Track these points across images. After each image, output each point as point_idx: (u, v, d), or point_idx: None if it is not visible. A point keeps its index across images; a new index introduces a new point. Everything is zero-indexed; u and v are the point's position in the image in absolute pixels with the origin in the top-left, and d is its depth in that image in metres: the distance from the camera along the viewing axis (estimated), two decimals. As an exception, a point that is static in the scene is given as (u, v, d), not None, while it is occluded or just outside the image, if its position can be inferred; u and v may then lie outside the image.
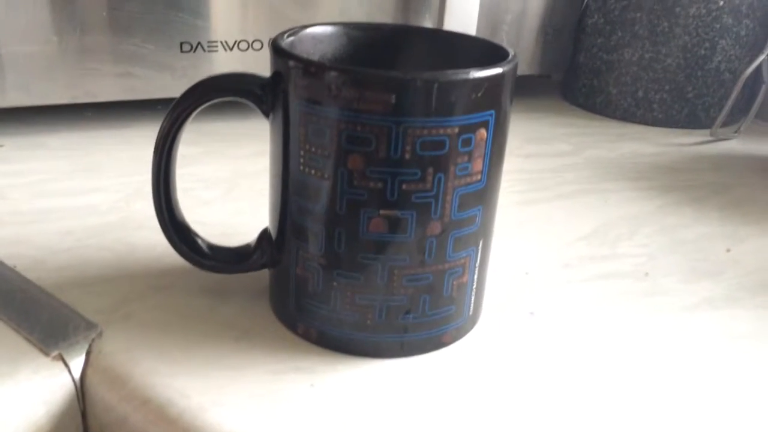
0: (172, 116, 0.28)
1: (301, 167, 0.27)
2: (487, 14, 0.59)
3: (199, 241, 0.30)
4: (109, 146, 0.49)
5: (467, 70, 0.25)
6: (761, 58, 0.58)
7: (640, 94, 0.61)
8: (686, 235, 0.41)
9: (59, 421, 0.27)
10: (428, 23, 0.56)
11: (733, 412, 0.27)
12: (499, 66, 0.26)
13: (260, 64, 0.50)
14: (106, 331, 0.29)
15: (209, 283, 0.32)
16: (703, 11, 0.57)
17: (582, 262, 0.37)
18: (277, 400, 0.26)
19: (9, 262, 0.33)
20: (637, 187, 0.48)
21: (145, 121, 0.53)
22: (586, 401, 0.27)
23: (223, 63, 0.52)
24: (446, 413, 0.26)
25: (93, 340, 0.28)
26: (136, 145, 0.49)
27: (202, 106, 0.28)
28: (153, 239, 0.36)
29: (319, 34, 0.31)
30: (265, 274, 0.31)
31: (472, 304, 0.30)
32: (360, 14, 0.54)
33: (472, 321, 0.31)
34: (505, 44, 0.29)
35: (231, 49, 0.52)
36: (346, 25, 0.32)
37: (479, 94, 0.25)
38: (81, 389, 0.28)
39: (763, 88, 0.61)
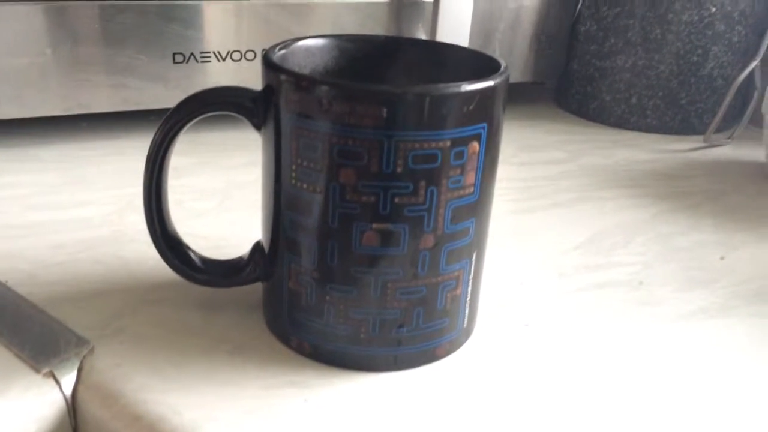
0: (164, 130, 0.28)
1: (293, 181, 0.27)
2: (480, 22, 0.59)
3: (192, 255, 0.30)
4: (101, 158, 0.48)
5: (459, 83, 0.25)
6: (753, 64, 0.59)
7: (634, 100, 0.61)
8: (681, 242, 0.41)
9: (51, 439, 0.27)
10: (421, 32, 0.56)
11: (729, 422, 0.27)
12: (491, 79, 0.26)
13: (253, 75, 0.50)
14: (97, 347, 0.29)
15: (202, 297, 0.32)
16: (696, 18, 0.58)
17: (577, 271, 0.37)
18: (271, 415, 0.26)
19: (0, 278, 0.33)
20: (631, 195, 0.48)
21: (138, 132, 0.53)
22: (581, 412, 0.27)
23: (216, 74, 0.52)
24: (441, 427, 0.26)
25: (84, 356, 0.28)
26: (129, 157, 0.49)
27: (194, 120, 0.28)
28: (145, 253, 0.36)
29: (311, 46, 0.31)
30: (258, 287, 0.31)
31: (466, 317, 0.30)
32: (353, 24, 0.54)
33: (466, 333, 0.30)
34: (497, 55, 0.29)
35: (224, 59, 0.52)
36: (338, 38, 0.32)
37: (471, 107, 0.25)
38: (72, 406, 0.27)
39: (756, 94, 0.61)
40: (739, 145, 0.60)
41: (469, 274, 0.29)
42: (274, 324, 0.30)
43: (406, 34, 0.56)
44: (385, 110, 0.24)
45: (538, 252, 0.39)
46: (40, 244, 0.36)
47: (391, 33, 0.55)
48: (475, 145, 0.26)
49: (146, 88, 0.50)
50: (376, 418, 0.26)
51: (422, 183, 0.25)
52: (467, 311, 0.29)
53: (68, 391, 0.27)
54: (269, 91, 0.27)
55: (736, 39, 0.59)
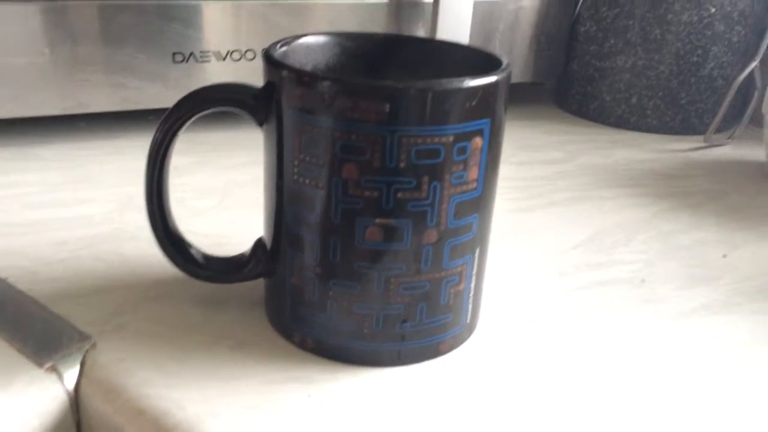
0: (165, 126, 0.28)
1: (296, 177, 0.27)
2: (480, 22, 0.59)
3: (193, 251, 0.30)
4: (101, 157, 0.48)
5: (462, 78, 0.25)
6: (753, 64, 0.59)
7: (634, 100, 0.61)
8: (682, 241, 0.41)
9: (53, 434, 0.27)
10: (421, 32, 0.56)
11: (732, 418, 0.27)
12: (494, 74, 0.26)
13: (253, 74, 0.50)
14: (99, 343, 0.29)
15: (204, 294, 0.32)
16: (695, 18, 0.58)
17: (578, 269, 0.37)
18: (274, 410, 0.26)
19: (1, 274, 0.33)
20: (632, 194, 0.48)
21: (137, 131, 0.53)
22: (584, 409, 0.27)
23: (216, 73, 0.52)
24: (444, 422, 0.26)
25: (87, 351, 0.28)
26: (129, 156, 0.49)
27: (195, 117, 0.28)
28: (146, 250, 0.36)
29: (312, 44, 0.31)
30: (260, 283, 0.31)
31: (469, 312, 0.30)
32: (352, 23, 0.54)
33: (469, 329, 0.30)
34: (498, 52, 0.29)
35: (224, 59, 0.52)
36: (339, 35, 0.32)
37: (474, 103, 0.25)
38: (75, 401, 0.27)
39: (756, 94, 0.61)
40: (740, 145, 0.60)
41: (473, 269, 0.29)
42: (277, 320, 0.30)
43: (406, 35, 0.56)
44: (388, 105, 0.24)
45: (539, 250, 0.39)
46: (40, 241, 0.36)
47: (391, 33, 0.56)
48: (477, 141, 0.26)
49: (146, 88, 0.50)
50: (380, 413, 0.26)
51: (425, 178, 0.25)
52: (470, 307, 0.29)
53: (71, 386, 0.27)
54: (271, 87, 0.27)
55: (735, 39, 0.59)
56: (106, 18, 0.47)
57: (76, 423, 0.28)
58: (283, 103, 0.26)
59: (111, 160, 0.48)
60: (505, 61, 0.28)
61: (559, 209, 0.45)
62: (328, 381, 0.28)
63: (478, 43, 0.59)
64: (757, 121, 0.59)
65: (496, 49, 0.62)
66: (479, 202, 0.27)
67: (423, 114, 0.25)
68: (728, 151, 0.59)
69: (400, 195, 0.25)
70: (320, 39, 0.31)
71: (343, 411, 0.26)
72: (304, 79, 0.25)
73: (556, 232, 0.42)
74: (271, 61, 0.27)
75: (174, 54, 0.50)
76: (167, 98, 0.50)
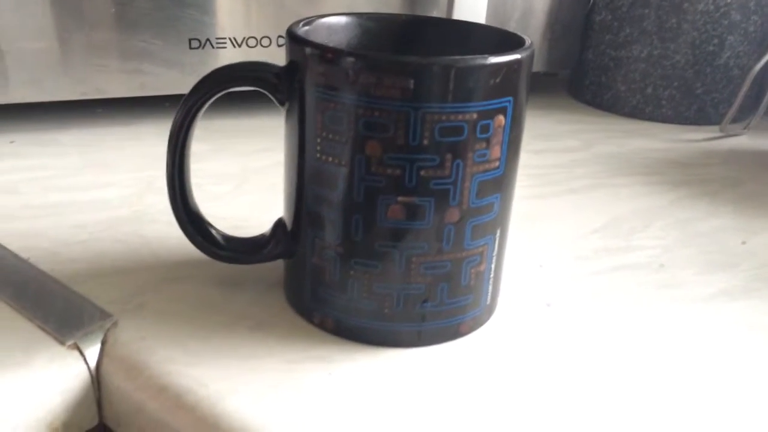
0: (186, 106, 0.28)
1: (318, 154, 0.27)
2: (494, 11, 0.59)
3: (214, 232, 0.30)
4: (119, 142, 0.49)
5: (485, 55, 0.25)
6: (770, 53, 0.58)
7: (649, 90, 0.61)
8: (700, 228, 0.41)
9: (75, 410, 0.27)
10: (437, 19, 0.56)
11: (752, 402, 0.27)
12: (517, 52, 0.26)
13: (268, 61, 0.50)
14: (121, 321, 0.29)
15: (222, 275, 0.32)
16: (711, 7, 0.57)
17: (596, 254, 0.37)
18: (295, 388, 0.26)
19: (22, 255, 0.33)
20: (648, 182, 0.48)
21: (154, 117, 0.53)
22: (604, 392, 0.27)
23: (232, 59, 0.50)
24: (464, 403, 0.26)
25: (108, 329, 0.28)
26: (146, 141, 0.49)
27: (217, 95, 0.28)
28: (166, 232, 0.36)
29: (333, 24, 0.31)
30: (278, 265, 0.31)
31: (489, 294, 0.29)
32: (366, 9, 0.54)
33: (489, 311, 0.30)
34: (521, 33, 0.29)
35: (239, 45, 0.52)
36: (360, 16, 0.32)
37: (497, 80, 0.25)
38: (97, 378, 0.27)
39: (772, 84, 0.60)
40: (756, 135, 0.60)
41: (493, 250, 0.29)
42: (297, 300, 0.30)
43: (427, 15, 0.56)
44: (412, 82, 0.24)
45: (556, 236, 0.39)
46: (61, 223, 0.36)
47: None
48: (501, 119, 0.26)
49: (162, 74, 0.50)
50: (400, 393, 0.26)
51: (448, 156, 0.25)
52: (490, 288, 0.29)
53: (92, 363, 0.27)
54: (293, 65, 0.27)
55: (752, 29, 0.59)
56: (123, 3, 0.47)
57: (97, 400, 0.28)
58: (306, 81, 0.26)
59: (129, 145, 0.48)
60: (528, 40, 0.28)
61: (576, 196, 0.45)
62: (349, 361, 0.28)
63: (493, 32, 0.59)
64: (773, 111, 0.59)
65: (511, 38, 0.61)
66: (501, 181, 0.27)
67: (447, 91, 0.24)
68: (744, 141, 0.58)
69: (423, 173, 0.25)
70: (342, 19, 0.31)
71: (363, 391, 0.26)
72: (328, 55, 0.25)
73: (573, 218, 0.42)
74: (294, 38, 0.27)
75: (190, 40, 0.50)
76: (184, 84, 0.50)
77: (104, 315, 0.29)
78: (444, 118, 0.25)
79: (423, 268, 0.27)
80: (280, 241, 0.30)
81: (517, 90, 0.26)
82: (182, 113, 0.28)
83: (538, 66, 0.65)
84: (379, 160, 0.25)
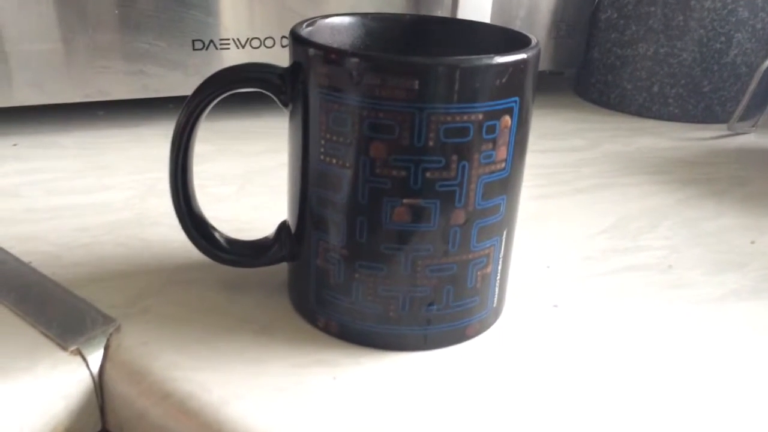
0: (190, 108, 0.28)
1: (322, 156, 0.26)
2: (499, 10, 0.58)
3: (217, 235, 0.30)
4: (121, 145, 0.48)
5: (491, 55, 0.25)
6: (778, 51, 0.58)
7: (656, 89, 0.61)
8: (708, 227, 0.41)
9: (78, 416, 0.27)
10: (441, 19, 0.56)
11: (762, 404, 0.27)
12: (524, 52, 0.26)
13: (272, 62, 0.50)
14: (124, 326, 0.28)
15: (226, 278, 0.32)
16: (719, 4, 0.57)
17: (604, 254, 0.37)
18: (300, 393, 0.25)
19: (24, 259, 0.33)
20: (655, 181, 0.47)
21: (157, 119, 0.53)
22: (612, 394, 0.27)
23: (235, 60, 0.50)
24: (470, 408, 0.25)
25: (111, 334, 0.28)
26: (149, 144, 0.49)
27: (220, 97, 0.28)
28: (168, 235, 0.36)
29: (336, 24, 0.31)
30: (282, 268, 0.31)
31: (496, 296, 0.29)
32: (370, 10, 0.54)
33: (495, 313, 0.30)
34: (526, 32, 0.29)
35: (243, 46, 0.51)
36: (364, 16, 0.32)
37: (503, 80, 0.25)
38: (99, 384, 0.27)
39: (780, 81, 0.60)
40: (764, 133, 0.59)
41: (500, 252, 0.28)
42: (301, 304, 0.30)
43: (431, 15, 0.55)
44: (417, 82, 0.24)
45: (563, 236, 0.39)
46: (63, 227, 0.36)
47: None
48: (507, 119, 0.26)
49: (166, 76, 0.50)
50: (406, 398, 0.26)
51: (454, 157, 0.25)
52: (497, 290, 0.29)
53: (95, 369, 0.27)
54: (297, 66, 0.27)
55: (759, 26, 0.58)
56: (126, 5, 0.47)
57: (100, 406, 0.28)
58: (310, 82, 0.26)
59: (132, 148, 0.48)
60: (533, 39, 0.27)
61: (584, 196, 0.44)
62: (354, 365, 0.27)
63: (498, 31, 0.58)
64: (781, 108, 0.59)
65: (516, 36, 0.61)
66: (507, 182, 0.27)
67: (452, 91, 0.24)
68: (752, 139, 0.58)
69: (428, 174, 0.25)
70: (345, 20, 0.31)
71: (368, 395, 0.26)
72: (331, 56, 0.25)
73: (581, 218, 0.41)
74: (297, 39, 0.26)
75: (194, 41, 0.50)
76: (187, 86, 0.50)
77: (107, 320, 0.28)
78: (449, 119, 0.24)
79: (429, 270, 0.27)
80: (284, 243, 0.30)
81: (523, 90, 0.26)
82: (185, 116, 0.28)
83: (543, 65, 0.64)
84: (384, 161, 0.25)
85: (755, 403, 0.27)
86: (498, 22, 0.58)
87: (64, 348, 0.27)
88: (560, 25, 0.63)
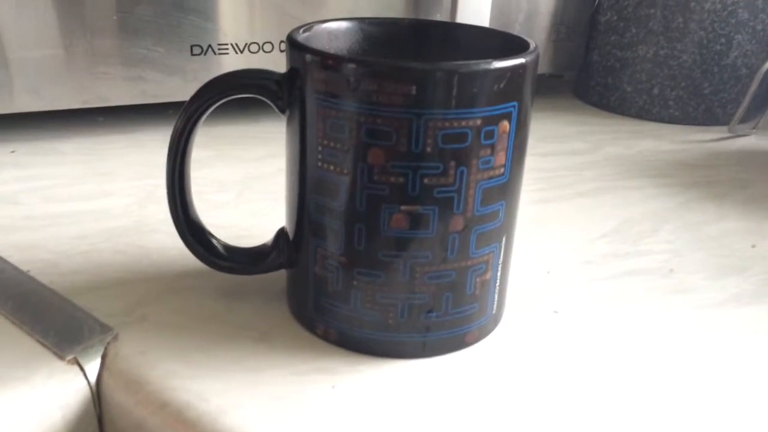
0: (187, 114, 0.27)
1: (319, 163, 0.26)
2: (498, 13, 0.58)
3: (215, 242, 0.30)
4: (120, 150, 0.48)
5: (489, 60, 0.24)
6: (779, 52, 0.58)
7: (656, 91, 0.60)
8: (710, 231, 0.40)
9: (75, 426, 0.26)
10: (440, 22, 0.55)
11: (764, 409, 0.26)
12: (522, 56, 0.25)
13: (271, 67, 0.49)
14: (121, 334, 0.28)
15: (224, 285, 0.32)
16: (719, 6, 0.57)
17: (605, 259, 0.37)
18: (299, 402, 0.25)
19: (22, 267, 0.33)
20: (657, 184, 0.47)
21: (156, 124, 0.53)
22: (614, 401, 0.26)
23: (234, 65, 0.51)
24: (470, 415, 0.25)
25: (108, 343, 0.28)
26: (148, 149, 0.49)
27: (217, 104, 0.27)
28: (167, 242, 0.35)
29: (334, 29, 0.31)
30: (281, 275, 0.31)
31: (495, 302, 0.29)
32: (369, 14, 0.54)
33: (495, 320, 0.30)
34: (525, 36, 0.29)
35: (241, 51, 0.51)
36: (362, 21, 0.31)
37: (502, 85, 0.25)
38: (97, 393, 0.27)
39: (781, 83, 0.60)
40: (764, 135, 0.59)
41: (499, 258, 0.28)
42: (299, 311, 0.30)
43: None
44: (414, 88, 0.24)
45: (564, 241, 0.39)
46: (61, 234, 0.36)
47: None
48: (505, 125, 0.25)
49: (164, 81, 0.50)
50: (405, 405, 0.26)
51: (452, 163, 0.25)
52: (496, 297, 0.29)
53: (93, 378, 0.27)
54: (294, 72, 0.26)
55: (760, 27, 0.58)
56: (124, 11, 0.47)
57: (97, 416, 0.27)
58: (307, 88, 0.26)
59: (130, 154, 0.48)
60: (532, 44, 0.27)
61: (585, 200, 0.44)
62: (353, 373, 0.27)
63: (497, 34, 0.58)
64: (782, 110, 0.58)
65: (516, 40, 0.61)
66: (506, 188, 0.27)
67: (450, 97, 0.24)
68: (753, 141, 0.58)
69: (426, 181, 0.25)
70: (342, 25, 0.31)
71: (367, 403, 0.25)
72: (329, 62, 0.25)
73: (581, 222, 0.41)
74: (294, 44, 0.26)
75: (192, 47, 0.49)
76: (186, 91, 0.49)
77: (104, 328, 0.28)
78: (447, 124, 0.24)
79: (427, 277, 0.26)
80: (282, 251, 0.30)
81: (522, 95, 0.26)
82: (182, 122, 0.27)
83: (543, 68, 0.64)
84: (382, 168, 0.25)
85: (757, 407, 0.26)
86: (497, 26, 0.58)
87: (62, 357, 0.27)
88: (560, 27, 0.63)
